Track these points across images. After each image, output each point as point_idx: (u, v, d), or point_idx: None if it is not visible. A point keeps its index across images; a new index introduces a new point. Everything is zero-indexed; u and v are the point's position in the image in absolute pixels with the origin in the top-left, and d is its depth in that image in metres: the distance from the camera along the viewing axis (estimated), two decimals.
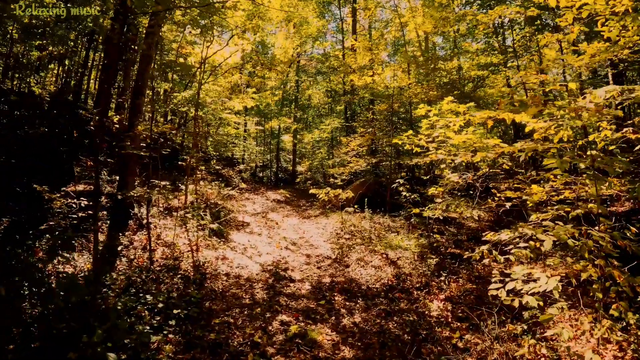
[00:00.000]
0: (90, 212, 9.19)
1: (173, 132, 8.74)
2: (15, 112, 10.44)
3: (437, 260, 7.34)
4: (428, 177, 14.37)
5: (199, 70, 11.30)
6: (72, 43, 14.66)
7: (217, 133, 17.24)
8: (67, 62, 14.94)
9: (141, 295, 5.74)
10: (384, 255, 8.01)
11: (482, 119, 5.36)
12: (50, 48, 14.20)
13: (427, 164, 17.45)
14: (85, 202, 7.81)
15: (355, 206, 10.69)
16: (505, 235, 4.99)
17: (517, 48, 15.81)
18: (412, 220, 10.94)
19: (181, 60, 14.77)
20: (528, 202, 5.30)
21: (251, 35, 10.23)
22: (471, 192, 7.71)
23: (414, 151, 6.28)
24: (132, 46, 12.22)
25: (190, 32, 10.22)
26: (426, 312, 6.13)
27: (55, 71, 15.35)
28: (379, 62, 11.51)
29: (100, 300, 5.66)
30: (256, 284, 6.72)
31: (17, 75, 13.42)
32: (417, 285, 6.95)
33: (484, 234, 4.82)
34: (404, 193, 10.56)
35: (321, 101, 23.04)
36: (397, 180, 10.74)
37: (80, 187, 9.93)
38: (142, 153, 6.74)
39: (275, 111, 20.83)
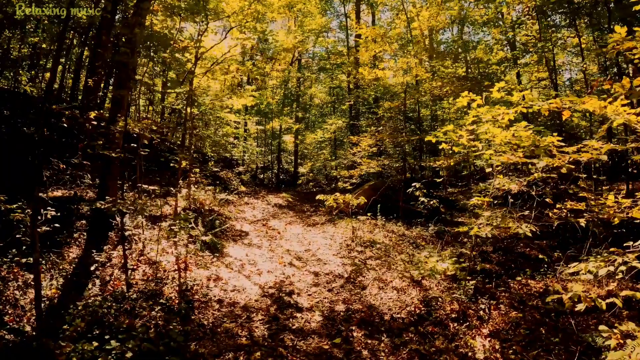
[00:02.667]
0: (73, 220, 7.79)
1: (154, 128, 7.29)
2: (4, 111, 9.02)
3: (474, 282, 5.88)
4: (440, 180, 12.93)
5: (192, 63, 9.87)
6: (68, 41, 13.40)
7: (215, 134, 15.77)
8: (62, 59, 13.62)
9: (107, 337, 4.27)
10: (407, 274, 6.57)
11: (555, 108, 3.91)
12: (44, 45, 12.87)
13: (440, 167, 16.05)
14: (53, 212, 6.35)
15: (369, 214, 9.25)
16: (598, 267, 3.53)
17: (532, 41, 14.41)
18: (429, 230, 9.49)
19: (177, 55, 13.29)
20: (615, 220, 3.86)
21: (249, 23, 8.78)
22: (511, 200, 6.31)
23: (452, 151, 4.83)
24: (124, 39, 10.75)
25: (182, 19, 8.79)
26: (470, 354, 4.68)
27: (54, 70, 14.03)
28: (391, 52, 10.06)
29: (52, 346, 4.20)
30: (255, 314, 5.26)
31: (9, 74, 12.05)
32: (452, 314, 5.50)
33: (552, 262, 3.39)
34: (421, 198, 9.13)
35: (324, 100, 21.55)
36: (412, 184, 9.31)
37: (59, 193, 8.50)
38: (113, 154, 5.28)
39: (276, 111, 19.34)
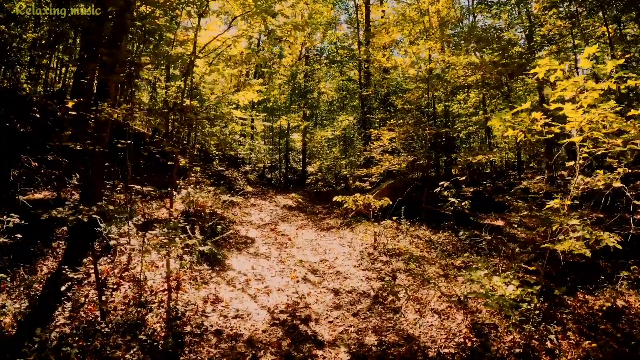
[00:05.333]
0: (53, 227, 6.54)
1: (135, 115, 5.96)
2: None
3: (538, 304, 4.51)
4: (463, 178, 11.57)
5: (192, 54, 8.62)
6: (70, 40, 12.32)
7: (221, 132, 14.49)
8: (65, 57, 12.52)
9: None
10: (447, 292, 5.22)
11: None
12: (43, 42, 11.74)
13: (454, 165, 14.63)
14: (16, 219, 5.09)
15: (394, 217, 7.91)
16: None
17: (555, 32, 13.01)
18: (460, 235, 8.08)
19: (178, 49, 12.03)
20: None
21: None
22: (576, 202, 4.97)
23: (524, 138, 3.48)
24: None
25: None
26: None
27: (58, 71, 13.05)
28: (414, 36, 8.66)
29: None
30: (263, 352, 3.94)
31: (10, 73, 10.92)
32: (515, 348, 4.15)
33: None
34: (450, 199, 7.78)
35: (333, 97, 20.18)
36: (440, 183, 7.96)
37: (40, 195, 7.25)
38: (78, 147, 4.00)
39: (283, 108, 18.03)
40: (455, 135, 15.89)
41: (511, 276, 4.05)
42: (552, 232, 4.00)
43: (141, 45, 13.49)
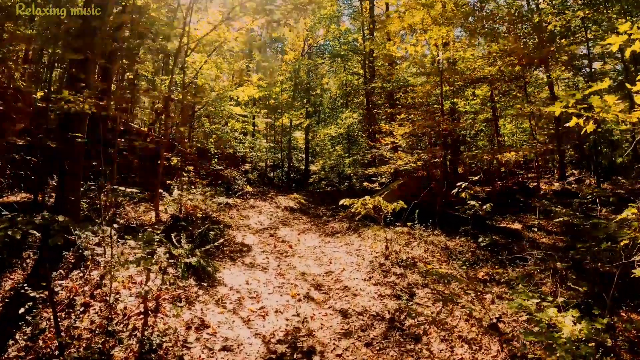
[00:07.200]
0: (26, 234, 5.72)
1: (100, 103, 5.08)
2: None
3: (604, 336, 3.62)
4: (477, 177, 10.69)
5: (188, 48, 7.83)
6: (71, 38, 11.45)
7: (222, 130, 13.63)
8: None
9: None
10: (476, 314, 4.35)
11: None
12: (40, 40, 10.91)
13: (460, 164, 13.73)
14: None
15: (409, 223, 7.03)
16: None
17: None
18: (479, 241, 7.15)
19: (176, 44, 11.16)
20: None
21: None
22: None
23: (594, 128, 2.61)
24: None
25: None
26: None
27: (59, 70, 12.34)
28: (428, 24, 7.75)
29: None
30: None
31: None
32: None
33: None
34: (470, 202, 6.90)
35: (337, 94, 19.29)
36: (457, 184, 7.10)
37: (17, 198, 6.43)
38: (19, 142, 3.15)
39: (286, 105, 17.17)
40: (463, 132, 15.02)
41: (555, 298, 3.16)
42: (622, 249, 3.13)
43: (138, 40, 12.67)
